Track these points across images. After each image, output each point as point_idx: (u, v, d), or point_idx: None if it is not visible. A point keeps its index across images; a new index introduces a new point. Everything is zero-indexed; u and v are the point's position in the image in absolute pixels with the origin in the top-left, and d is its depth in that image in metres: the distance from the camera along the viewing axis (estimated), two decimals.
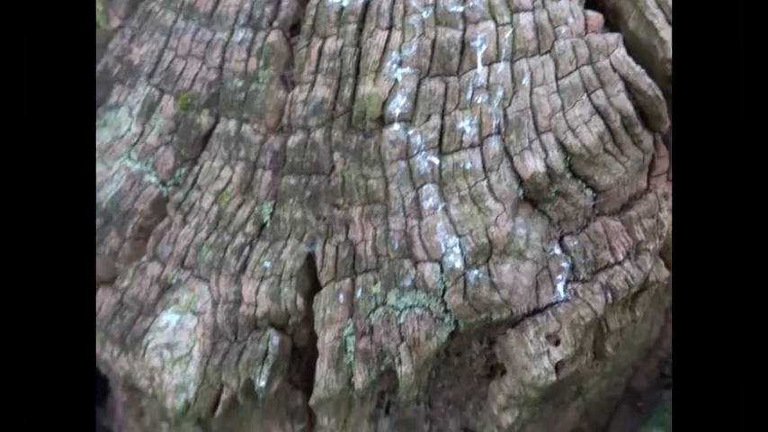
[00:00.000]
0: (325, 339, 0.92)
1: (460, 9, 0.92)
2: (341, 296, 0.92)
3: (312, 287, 0.97)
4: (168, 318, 0.99)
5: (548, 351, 0.93)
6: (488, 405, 1.03)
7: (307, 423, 1.07)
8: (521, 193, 0.92)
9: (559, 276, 0.94)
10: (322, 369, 0.92)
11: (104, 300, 1.06)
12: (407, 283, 0.89)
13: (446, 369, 1.00)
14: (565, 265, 0.95)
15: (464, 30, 0.92)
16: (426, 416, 1.09)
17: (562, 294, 0.94)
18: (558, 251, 0.95)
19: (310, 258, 0.96)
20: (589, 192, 0.96)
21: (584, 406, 1.17)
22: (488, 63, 0.91)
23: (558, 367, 0.94)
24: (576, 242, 0.95)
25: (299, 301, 0.95)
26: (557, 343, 0.93)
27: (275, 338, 0.95)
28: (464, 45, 0.92)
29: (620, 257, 0.96)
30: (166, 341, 0.98)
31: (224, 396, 1.00)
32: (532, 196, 0.94)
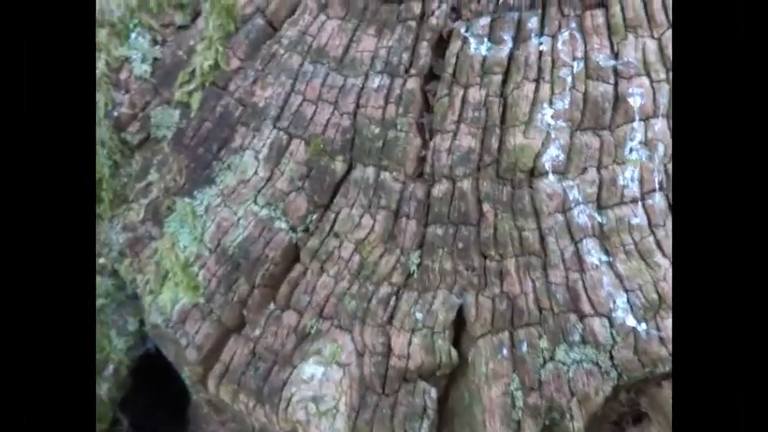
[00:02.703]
0: (492, 395, 0.96)
1: (612, 63, 0.97)
2: (504, 350, 0.96)
3: (457, 337, 1.01)
4: (312, 370, 1.03)
5: None
6: None
7: None
8: None
9: None
10: (494, 426, 0.96)
11: (235, 349, 1.09)
12: (576, 337, 0.93)
13: None
14: None
15: (616, 84, 0.96)
16: None
17: None
18: None
19: (459, 309, 1.00)
20: None
21: None
22: (645, 118, 0.95)
23: None
24: None
25: (454, 353, 0.98)
26: None
27: (433, 392, 0.99)
28: (617, 99, 0.96)
29: None
30: (312, 394, 1.02)
31: None
32: None
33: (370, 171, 1.05)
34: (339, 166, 1.07)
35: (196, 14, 1.23)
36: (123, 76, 1.20)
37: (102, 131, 1.17)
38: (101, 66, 1.18)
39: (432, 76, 1.09)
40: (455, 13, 1.10)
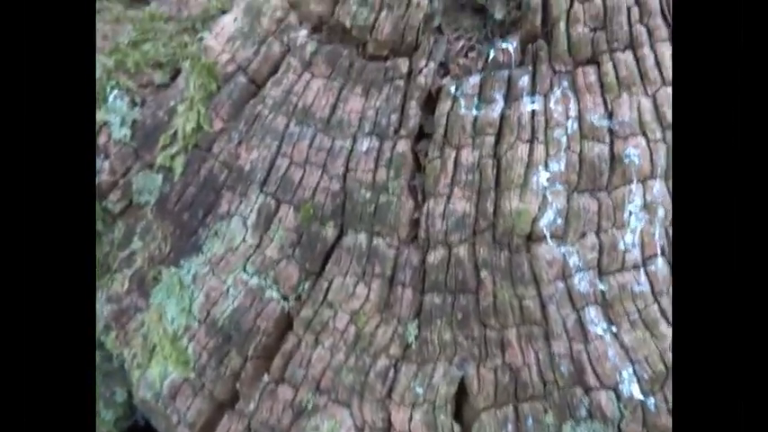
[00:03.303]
0: None
1: (607, 123, 0.95)
2: (509, 426, 0.95)
3: (458, 409, 0.99)
4: None
5: None
6: None
7: None
8: None
9: None
10: None
11: (230, 426, 1.08)
12: (582, 412, 0.92)
13: None
14: None
15: (612, 144, 0.95)
16: None
17: None
18: None
19: (460, 381, 0.98)
20: None
21: None
22: (643, 180, 0.94)
23: None
24: None
25: (456, 428, 0.96)
26: None
27: None
28: (614, 160, 0.95)
29: None
30: None
31: None
32: None
33: (363, 237, 1.03)
34: (330, 232, 1.05)
35: (176, 72, 1.20)
36: (102, 140, 1.17)
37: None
38: None
39: (422, 133, 1.08)
40: (443, 68, 1.09)
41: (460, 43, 1.14)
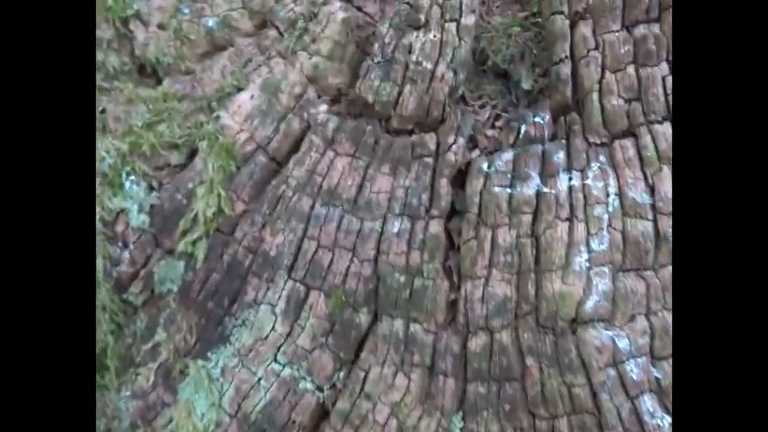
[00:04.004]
0: None
1: (649, 199, 0.93)
2: None
3: None
4: None
5: None
6: None
7: None
8: None
9: None
10: None
11: None
12: None
13: None
14: None
15: (655, 221, 0.93)
16: None
17: None
18: None
19: None
20: None
21: None
22: None
23: None
24: None
25: None
26: None
27: None
28: (658, 237, 0.92)
29: None
30: None
31: None
32: None
33: (399, 323, 1.00)
34: (364, 318, 1.02)
35: (192, 153, 1.17)
36: (120, 228, 1.14)
37: (103, 295, 1.11)
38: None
39: (453, 209, 1.05)
40: (471, 141, 1.06)
41: (486, 113, 1.12)
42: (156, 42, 1.21)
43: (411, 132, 1.09)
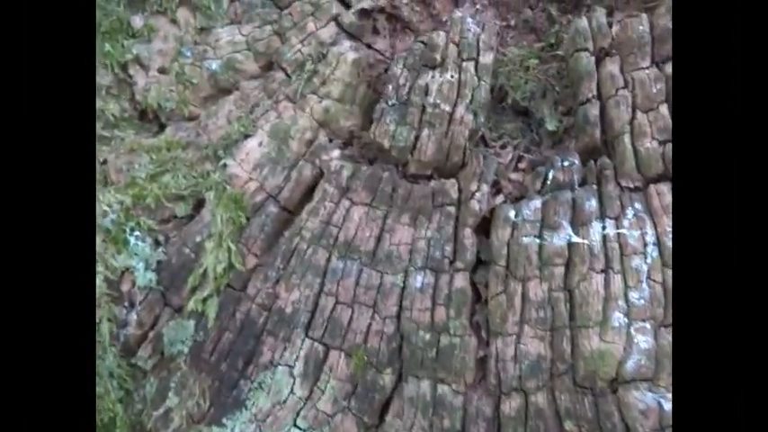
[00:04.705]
0: None
1: None
2: None
3: None
4: None
5: None
6: None
7: None
8: None
9: None
10: None
11: None
12: None
13: None
14: None
15: None
16: None
17: None
18: None
19: None
20: None
21: None
22: None
23: None
24: None
25: None
26: None
27: None
28: None
29: None
30: None
31: None
32: None
33: (426, 385, 0.95)
34: (388, 379, 0.97)
35: (199, 203, 1.13)
36: (125, 287, 1.09)
37: (110, 361, 1.05)
38: (99, 282, 1.06)
39: (478, 258, 1.00)
40: (494, 186, 1.01)
41: (509, 154, 1.07)
42: (157, 87, 1.17)
43: (430, 177, 1.04)
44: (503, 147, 1.09)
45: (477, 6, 1.23)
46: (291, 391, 1.02)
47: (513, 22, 1.21)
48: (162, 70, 1.18)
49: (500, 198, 1.01)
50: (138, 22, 1.19)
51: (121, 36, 1.20)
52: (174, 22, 1.19)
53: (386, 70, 1.17)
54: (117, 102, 1.19)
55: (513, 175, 1.02)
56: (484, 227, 1.01)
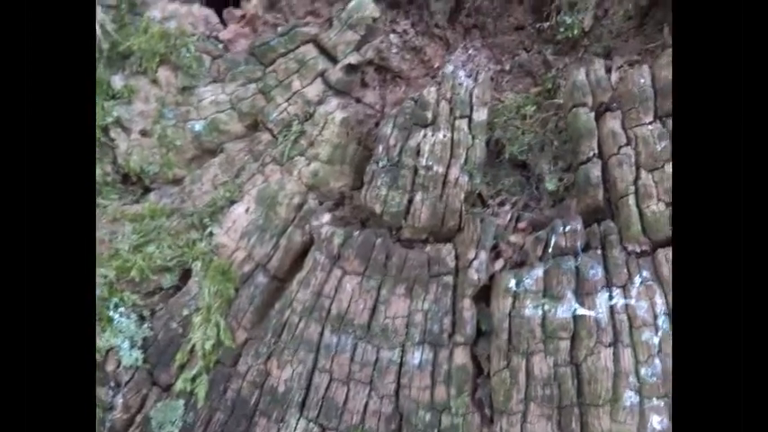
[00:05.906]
0: None
1: None
2: None
3: None
4: None
5: None
6: None
7: None
8: None
9: None
10: None
11: None
12: None
13: None
14: None
15: None
16: None
17: None
18: None
19: None
20: None
21: None
22: None
23: None
24: None
25: None
26: None
27: None
28: None
29: None
30: None
31: None
32: None
33: None
34: None
35: (185, 272, 1.09)
36: (110, 367, 1.05)
37: None
38: None
39: (478, 328, 0.96)
40: (494, 249, 0.97)
41: (507, 213, 1.03)
42: (139, 151, 1.13)
43: (425, 241, 1.00)
44: (501, 204, 1.05)
45: (470, 51, 1.19)
46: None
47: (507, 66, 1.17)
48: (144, 133, 1.15)
49: (500, 263, 0.97)
50: (118, 82, 1.16)
51: (101, 98, 1.18)
52: (154, 82, 1.16)
53: (377, 124, 1.13)
54: (99, 166, 1.16)
55: (513, 237, 0.98)
56: (483, 293, 0.97)
